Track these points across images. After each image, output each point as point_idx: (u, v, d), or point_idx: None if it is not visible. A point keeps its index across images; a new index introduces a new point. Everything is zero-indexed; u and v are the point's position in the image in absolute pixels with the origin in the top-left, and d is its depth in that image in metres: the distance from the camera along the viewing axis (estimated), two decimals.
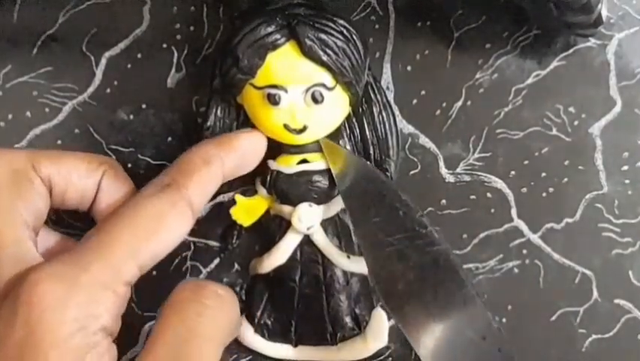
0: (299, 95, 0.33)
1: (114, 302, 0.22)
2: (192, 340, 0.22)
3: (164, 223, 0.23)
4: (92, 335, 0.21)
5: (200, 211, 0.23)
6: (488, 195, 0.38)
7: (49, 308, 0.20)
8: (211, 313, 0.23)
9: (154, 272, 0.37)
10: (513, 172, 0.37)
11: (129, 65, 0.37)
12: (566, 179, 0.37)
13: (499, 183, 0.38)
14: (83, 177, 0.27)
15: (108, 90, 0.37)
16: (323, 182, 0.34)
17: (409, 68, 0.37)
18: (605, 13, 0.34)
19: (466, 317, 0.28)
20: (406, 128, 0.37)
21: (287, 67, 0.32)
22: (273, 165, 0.35)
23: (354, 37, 0.33)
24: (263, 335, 0.35)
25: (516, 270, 0.38)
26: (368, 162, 0.34)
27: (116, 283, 0.22)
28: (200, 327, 0.23)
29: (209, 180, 0.24)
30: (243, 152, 0.25)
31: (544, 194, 0.37)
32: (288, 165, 0.34)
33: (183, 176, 0.24)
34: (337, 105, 0.34)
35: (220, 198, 0.38)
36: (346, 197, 0.30)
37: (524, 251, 0.38)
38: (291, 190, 0.34)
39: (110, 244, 0.22)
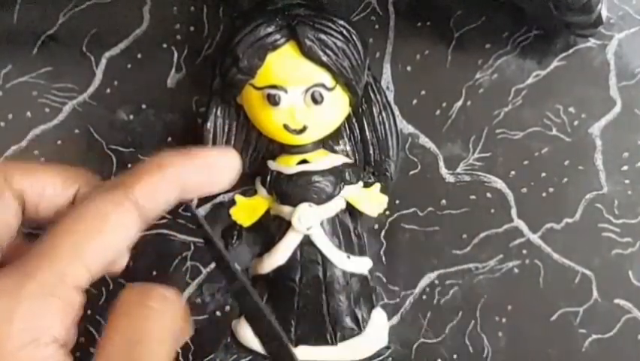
0: (299, 95, 0.33)
1: (63, 310, 0.21)
2: (141, 342, 0.22)
3: (107, 222, 0.22)
4: (44, 346, 0.20)
5: (153, 215, 0.22)
6: (488, 195, 0.38)
7: None
8: (158, 316, 0.23)
9: (154, 272, 0.38)
10: (513, 172, 0.37)
11: (129, 65, 0.37)
12: (565, 179, 0.37)
13: (499, 183, 0.38)
14: (57, 192, 0.25)
15: (108, 90, 0.38)
16: (323, 182, 0.34)
17: (408, 68, 0.37)
18: (604, 14, 0.34)
19: None
20: (406, 128, 0.37)
21: (287, 67, 0.32)
22: (272, 165, 0.35)
23: (354, 37, 0.33)
24: None
25: (516, 270, 0.38)
26: None
27: (63, 288, 0.21)
28: (148, 329, 0.22)
29: (160, 184, 0.23)
30: (206, 166, 0.24)
31: (544, 194, 0.37)
32: (287, 165, 0.34)
33: (132, 178, 0.23)
34: (337, 105, 0.34)
35: (220, 198, 0.38)
36: None
37: (524, 251, 0.38)
38: (290, 190, 0.34)
39: (54, 246, 0.21)
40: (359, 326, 0.35)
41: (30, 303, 0.20)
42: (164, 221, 0.38)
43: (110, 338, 0.22)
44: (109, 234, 0.22)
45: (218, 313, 0.38)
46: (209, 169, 0.24)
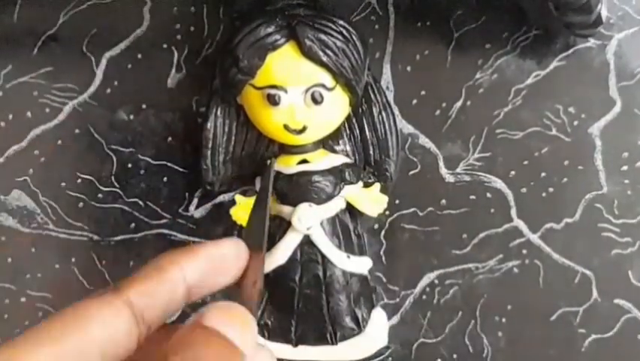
0: (299, 95, 0.33)
1: None
2: None
3: (90, 318, 0.21)
4: None
5: (154, 317, 0.21)
6: (488, 195, 0.38)
7: None
8: None
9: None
10: (513, 172, 0.37)
11: (129, 65, 0.37)
12: (565, 179, 0.37)
13: (499, 183, 0.38)
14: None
15: (108, 90, 0.38)
16: (323, 182, 0.34)
17: (408, 68, 0.37)
18: (604, 14, 0.34)
19: None
20: (406, 128, 0.37)
21: (287, 67, 0.32)
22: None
23: (354, 37, 0.33)
24: (263, 335, 0.35)
25: (516, 270, 0.38)
26: None
27: None
28: None
29: (158, 283, 0.22)
30: (209, 259, 0.23)
31: (543, 194, 0.37)
32: (287, 165, 0.34)
33: (129, 281, 0.22)
34: (337, 105, 0.34)
35: (220, 199, 0.38)
36: None
37: (524, 251, 0.38)
38: (290, 190, 0.34)
39: (24, 338, 0.20)
40: (359, 326, 0.35)
41: None
42: (164, 221, 0.38)
43: None
44: (88, 330, 0.20)
45: None
46: (213, 261, 0.23)
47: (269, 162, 0.33)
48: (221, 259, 0.23)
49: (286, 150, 0.35)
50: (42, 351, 0.20)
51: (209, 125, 0.35)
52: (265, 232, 0.23)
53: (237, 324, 0.21)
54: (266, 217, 0.24)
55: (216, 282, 0.23)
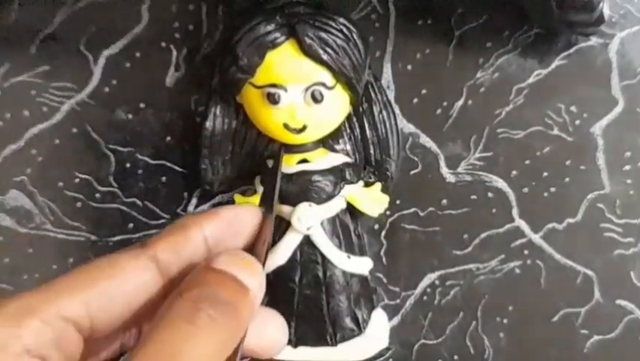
0: (299, 94, 0.32)
1: (40, 329, 0.21)
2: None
3: (116, 268, 0.22)
4: (14, 356, 0.20)
5: (178, 271, 0.23)
6: (489, 194, 0.37)
7: None
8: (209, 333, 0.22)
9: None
10: (514, 172, 0.37)
11: (128, 64, 0.37)
12: (567, 179, 0.37)
13: (501, 183, 0.37)
14: None
15: (107, 89, 0.37)
16: (323, 181, 0.34)
17: (409, 67, 0.37)
18: (606, 12, 0.34)
19: None
20: (407, 127, 0.37)
21: (287, 66, 0.32)
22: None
23: (355, 35, 0.33)
24: None
25: (517, 270, 0.38)
26: None
27: (46, 312, 0.21)
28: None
29: (182, 241, 0.24)
30: (227, 220, 0.25)
31: (545, 194, 0.37)
32: (287, 164, 0.34)
33: (156, 238, 0.24)
34: (337, 104, 0.34)
35: (219, 198, 0.38)
36: None
37: (526, 251, 0.37)
38: (290, 190, 0.34)
39: (57, 282, 0.22)
40: (359, 327, 0.35)
41: (7, 317, 0.20)
42: (163, 221, 0.38)
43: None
44: (116, 279, 0.22)
45: None
46: (230, 222, 0.25)
47: (280, 149, 0.34)
48: (238, 222, 0.25)
49: (286, 149, 0.34)
50: (74, 295, 0.21)
51: (209, 124, 0.35)
52: (275, 198, 0.25)
53: (246, 268, 0.23)
54: (277, 184, 0.26)
55: (233, 242, 0.24)
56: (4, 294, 0.38)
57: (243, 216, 0.25)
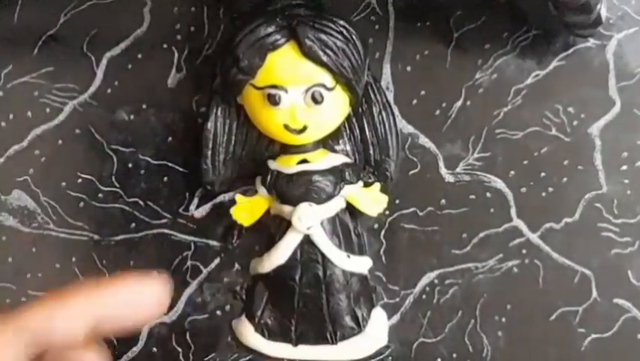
0: (299, 95, 0.33)
1: None
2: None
3: None
4: None
5: (54, 338, 0.20)
6: (488, 194, 0.38)
7: None
8: None
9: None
10: (512, 172, 0.38)
11: (130, 65, 0.37)
12: (565, 179, 0.37)
13: (499, 183, 0.38)
14: None
15: (109, 90, 0.38)
16: (323, 182, 0.34)
17: (408, 68, 0.37)
18: (604, 14, 0.34)
19: None
20: (406, 128, 0.37)
21: (287, 67, 0.32)
22: (272, 165, 0.35)
23: (354, 37, 0.33)
24: (263, 335, 0.35)
25: (515, 270, 0.38)
26: None
27: None
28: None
29: (58, 310, 0.20)
30: (126, 299, 0.21)
31: (543, 194, 0.38)
32: (288, 165, 0.34)
33: (27, 306, 0.21)
34: (337, 105, 0.34)
35: (220, 198, 0.38)
36: None
37: (524, 251, 0.38)
38: (291, 190, 0.34)
39: None
40: (359, 326, 0.35)
41: None
42: (165, 221, 0.38)
43: None
44: None
45: (218, 312, 0.38)
46: (130, 303, 0.21)
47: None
48: (138, 299, 0.22)
49: (286, 149, 0.35)
50: None
51: (210, 125, 0.35)
52: None
53: None
54: None
55: (128, 322, 0.21)
56: (8, 293, 0.38)
57: (145, 292, 0.22)
